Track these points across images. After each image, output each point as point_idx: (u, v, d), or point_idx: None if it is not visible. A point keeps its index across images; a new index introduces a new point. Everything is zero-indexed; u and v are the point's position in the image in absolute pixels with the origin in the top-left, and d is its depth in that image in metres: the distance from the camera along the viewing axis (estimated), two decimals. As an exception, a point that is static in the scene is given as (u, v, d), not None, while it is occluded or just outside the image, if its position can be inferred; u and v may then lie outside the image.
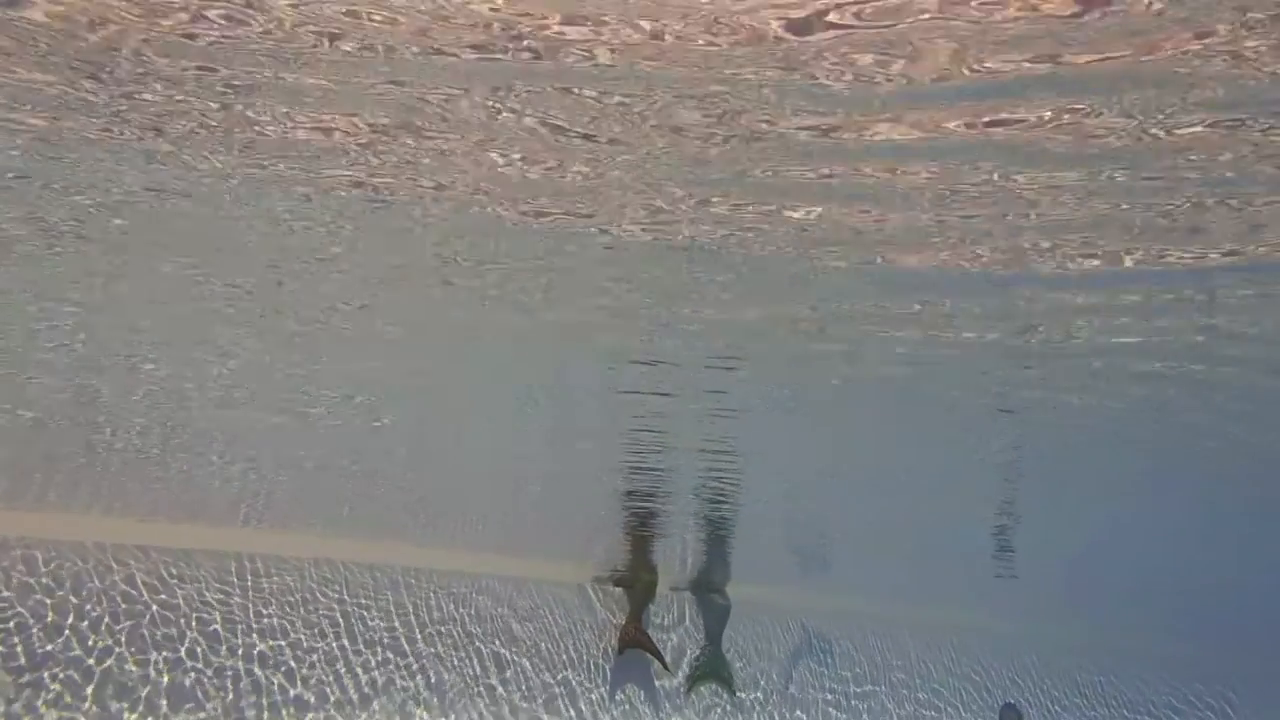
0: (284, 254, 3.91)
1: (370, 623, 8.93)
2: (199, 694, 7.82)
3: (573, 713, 9.95)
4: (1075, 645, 14.23)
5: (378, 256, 3.93)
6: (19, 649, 7.16)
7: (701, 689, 10.94)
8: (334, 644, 8.69)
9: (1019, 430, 6.27)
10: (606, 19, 2.46)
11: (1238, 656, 15.53)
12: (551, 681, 9.90)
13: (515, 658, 9.72)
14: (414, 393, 5.74)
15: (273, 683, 8.25)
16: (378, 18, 2.48)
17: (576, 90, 2.76)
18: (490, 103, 2.83)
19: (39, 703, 7.15)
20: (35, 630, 7.27)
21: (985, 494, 8.11)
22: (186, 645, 7.88)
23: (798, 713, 11.66)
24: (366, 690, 8.73)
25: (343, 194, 3.39)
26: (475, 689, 9.40)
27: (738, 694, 11.19)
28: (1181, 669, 15.30)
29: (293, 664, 8.39)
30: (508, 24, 2.48)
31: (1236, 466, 7.01)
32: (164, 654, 7.76)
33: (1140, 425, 6.12)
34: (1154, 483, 7.78)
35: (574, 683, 10.05)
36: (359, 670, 8.73)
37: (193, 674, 7.84)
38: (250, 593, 8.37)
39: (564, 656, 10.07)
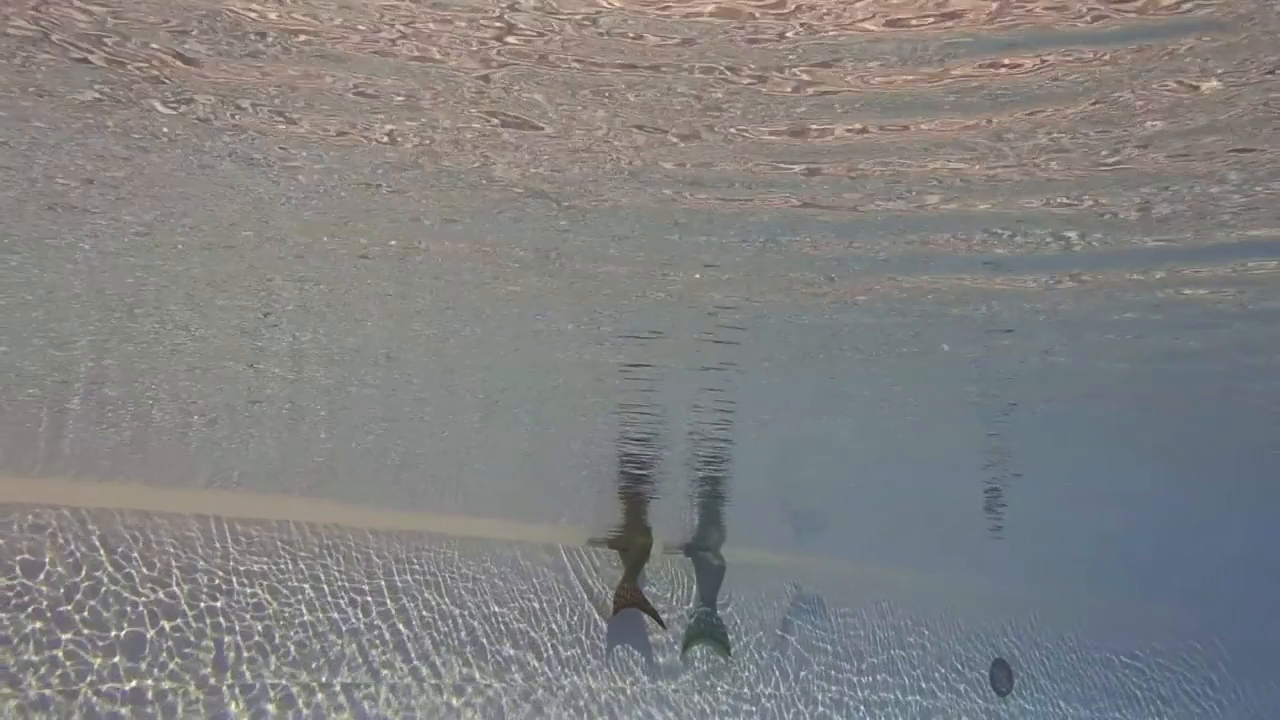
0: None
1: (346, 586, 8.89)
2: (161, 657, 7.81)
3: (568, 672, 10.03)
4: (1066, 605, 14.35)
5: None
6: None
7: (695, 649, 11.01)
8: (309, 611, 8.65)
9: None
10: None
11: (1225, 616, 15.69)
12: (546, 642, 9.97)
13: (507, 618, 9.78)
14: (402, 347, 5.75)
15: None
16: None
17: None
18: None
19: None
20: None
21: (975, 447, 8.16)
22: (143, 609, 7.87)
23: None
24: (336, 659, 8.69)
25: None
26: (463, 653, 9.45)
27: (731, 655, 11.27)
28: (1172, 628, 15.45)
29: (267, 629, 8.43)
30: None
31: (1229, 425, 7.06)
32: (122, 617, 7.77)
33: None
34: (1140, 440, 7.83)
35: (568, 643, 10.12)
36: (332, 637, 8.70)
37: (155, 638, 7.83)
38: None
39: (558, 618, 10.13)
